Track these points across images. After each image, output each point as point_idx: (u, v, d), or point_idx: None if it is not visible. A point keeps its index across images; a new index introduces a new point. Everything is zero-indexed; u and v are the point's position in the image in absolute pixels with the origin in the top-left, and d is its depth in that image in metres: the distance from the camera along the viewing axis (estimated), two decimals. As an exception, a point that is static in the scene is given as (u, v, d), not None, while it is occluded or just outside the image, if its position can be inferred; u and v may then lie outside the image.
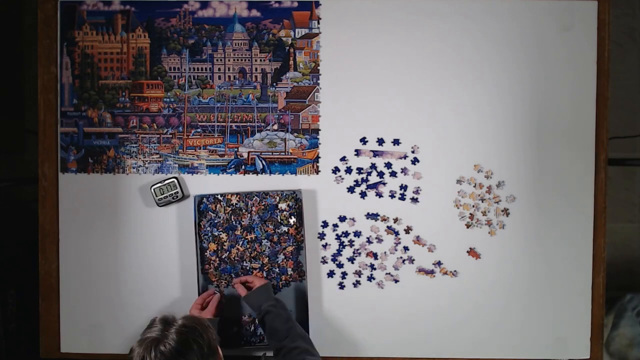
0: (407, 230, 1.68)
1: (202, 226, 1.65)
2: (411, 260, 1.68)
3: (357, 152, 1.68)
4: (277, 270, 1.66)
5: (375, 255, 1.68)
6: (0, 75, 2.36)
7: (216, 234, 1.65)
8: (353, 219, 1.68)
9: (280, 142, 1.69)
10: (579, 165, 1.67)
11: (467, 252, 1.68)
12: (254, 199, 1.65)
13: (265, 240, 1.65)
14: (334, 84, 1.68)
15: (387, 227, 1.68)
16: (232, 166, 1.69)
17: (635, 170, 2.54)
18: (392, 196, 1.68)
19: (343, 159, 1.68)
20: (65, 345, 1.70)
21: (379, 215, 1.68)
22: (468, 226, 1.68)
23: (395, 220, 1.68)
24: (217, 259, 1.65)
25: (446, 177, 1.68)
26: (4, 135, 2.37)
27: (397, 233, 1.68)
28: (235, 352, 1.65)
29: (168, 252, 1.68)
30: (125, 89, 1.69)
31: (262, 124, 1.69)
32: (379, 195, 1.68)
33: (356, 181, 1.68)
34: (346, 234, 1.68)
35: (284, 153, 1.69)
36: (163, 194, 1.66)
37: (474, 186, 1.68)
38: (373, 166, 1.68)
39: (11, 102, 2.42)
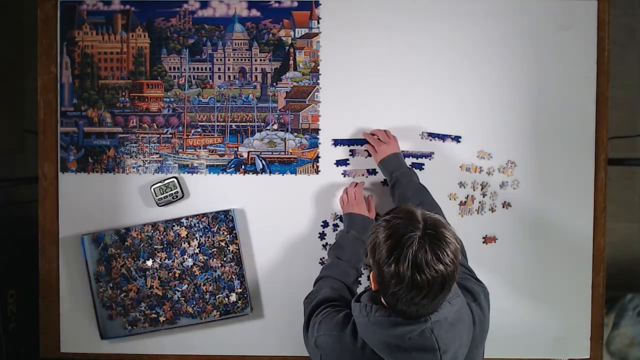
0: (407, 230, 1.67)
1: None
2: (411, 260, 1.68)
3: (353, 153, 1.68)
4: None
5: (375, 255, 1.68)
6: (0, 75, 2.36)
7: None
8: (353, 219, 1.68)
9: (280, 141, 1.69)
10: (579, 165, 1.67)
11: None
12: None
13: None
14: (334, 83, 1.68)
15: (387, 227, 1.68)
16: (232, 166, 1.69)
17: (635, 170, 2.54)
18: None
19: (343, 162, 1.68)
20: (65, 345, 1.70)
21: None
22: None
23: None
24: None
25: (446, 177, 1.68)
26: (4, 135, 2.37)
27: (397, 233, 1.67)
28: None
29: (168, 252, 1.68)
30: (125, 88, 1.69)
31: (262, 124, 1.69)
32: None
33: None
34: (346, 233, 1.68)
35: (283, 153, 1.69)
36: (163, 193, 1.66)
37: (474, 188, 1.68)
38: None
39: (11, 102, 2.42)
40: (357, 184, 1.63)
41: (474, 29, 1.67)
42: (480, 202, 1.67)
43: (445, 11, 1.67)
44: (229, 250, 1.67)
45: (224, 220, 1.67)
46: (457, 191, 1.67)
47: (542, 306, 1.68)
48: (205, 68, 1.69)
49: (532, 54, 1.66)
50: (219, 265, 1.67)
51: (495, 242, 1.67)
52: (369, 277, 1.43)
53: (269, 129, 1.69)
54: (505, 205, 1.67)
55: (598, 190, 1.67)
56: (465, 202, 1.67)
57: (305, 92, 1.68)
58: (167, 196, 1.66)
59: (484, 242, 1.67)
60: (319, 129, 1.68)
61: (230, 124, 1.69)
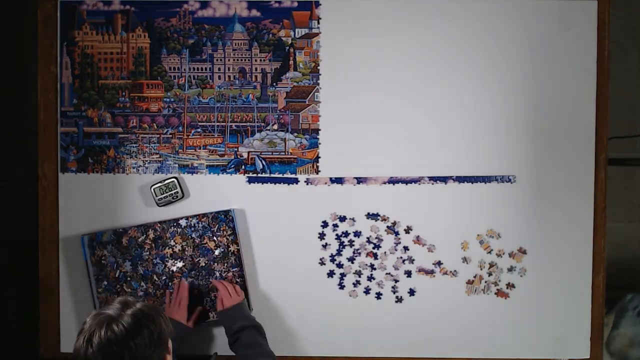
0: (407, 230, 1.68)
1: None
2: (411, 260, 1.68)
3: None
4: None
5: (375, 255, 1.68)
6: (0, 75, 2.36)
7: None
8: (353, 219, 1.68)
9: (280, 142, 1.69)
10: (579, 165, 1.67)
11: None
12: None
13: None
14: (334, 84, 1.68)
15: (387, 227, 1.68)
16: (232, 166, 1.69)
17: (635, 170, 2.54)
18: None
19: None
20: (65, 345, 1.70)
21: (379, 216, 1.68)
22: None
23: (394, 223, 1.68)
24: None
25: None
26: (4, 135, 2.37)
27: (397, 233, 1.68)
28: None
29: (168, 252, 1.68)
30: (125, 88, 1.69)
31: (262, 124, 1.69)
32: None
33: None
34: (346, 234, 1.68)
35: (283, 153, 1.69)
36: (163, 194, 1.66)
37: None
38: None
39: (11, 102, 2.42)
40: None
41: (473, 29, 1.66)
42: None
43: (445, 11, 1.66)
44: (229, 250, 1.67)
45: (224, 220, 1.67)
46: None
47: (542, 306, 1.68)
48: (205, 68, 1.69)
49: (532, 54, 1.66)
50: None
51: (494, 242, 1.67)
52: None
53: (269, 129, 1.69)
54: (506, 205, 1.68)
55: (598, 190, 1.67)
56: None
57: (305, 92, 1.68)
58: (167, 196, 1.66)
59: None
60: (319, 129, 1.68)
61: (230, 124, 1.69)
